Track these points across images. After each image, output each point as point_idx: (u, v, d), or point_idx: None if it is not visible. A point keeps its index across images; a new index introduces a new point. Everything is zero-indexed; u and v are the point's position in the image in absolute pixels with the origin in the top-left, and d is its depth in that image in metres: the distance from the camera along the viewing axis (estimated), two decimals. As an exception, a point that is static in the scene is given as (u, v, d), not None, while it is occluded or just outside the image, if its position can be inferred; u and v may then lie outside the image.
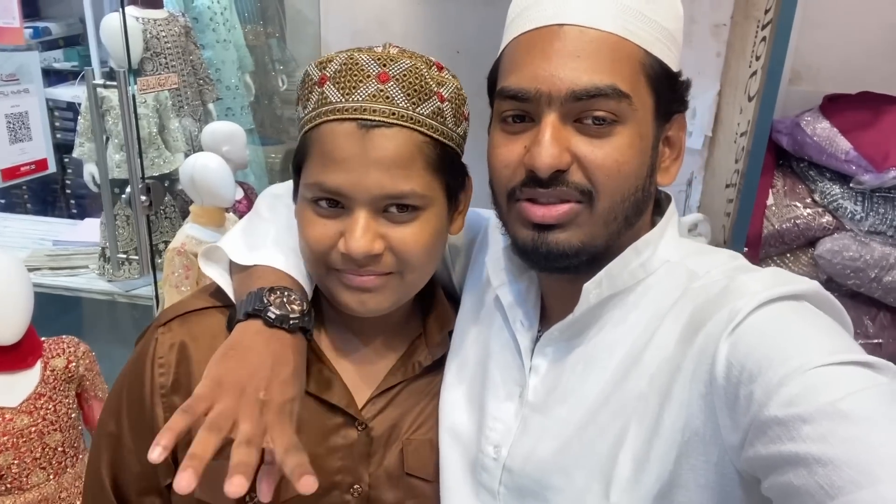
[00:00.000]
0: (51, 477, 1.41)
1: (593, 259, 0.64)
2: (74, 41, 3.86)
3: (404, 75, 0.66)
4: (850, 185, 1.76)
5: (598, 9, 0.60)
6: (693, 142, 2.40)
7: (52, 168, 1.78)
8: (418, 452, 0.75)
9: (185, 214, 2.41)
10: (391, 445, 0.74)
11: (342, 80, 0.65)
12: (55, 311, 2.51)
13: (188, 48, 2.75)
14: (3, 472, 1.35)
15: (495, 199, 0.68)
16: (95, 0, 3.22)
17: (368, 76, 0.65)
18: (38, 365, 1.42)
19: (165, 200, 2.50)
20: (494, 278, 0.74)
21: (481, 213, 0.84)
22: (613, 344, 0.64)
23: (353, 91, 0.65)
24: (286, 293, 0.68)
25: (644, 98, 0.62)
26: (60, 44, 3.81)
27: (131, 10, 2.52)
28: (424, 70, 0.68)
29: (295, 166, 0.71)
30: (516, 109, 0.63)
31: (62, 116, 3.75)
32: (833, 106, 1.91)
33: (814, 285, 0.58)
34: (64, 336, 1.50)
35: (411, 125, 0.66)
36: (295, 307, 0.67)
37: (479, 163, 0.71)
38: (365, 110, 0.64)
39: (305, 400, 0.68)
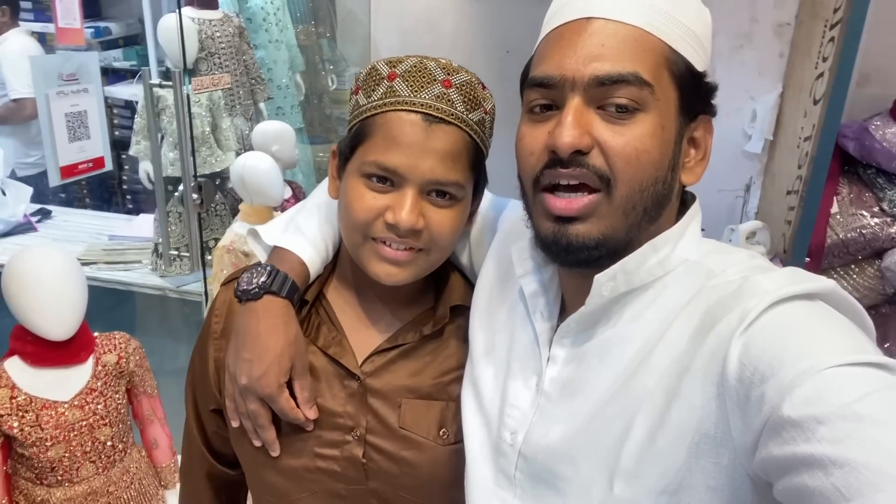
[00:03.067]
0: (100, 470, 1.43)
1: (613, 253, 0.65)
2: (133, 41, 3.97)
3: (463, 86, 0.78)
4: (923, 193, 1.67)
5: (625, 5, 0.63)
6: (752, 145, 2.31)
7: (108, 166, 1.82)
8: (414, 411, 0.83)
9: (234, 212, 2.45)
10: (388, 400, 0.83)
11: (412, 78, 0.77)
12: (109, 305, 2.58)
13: (241, 48, 2.79)
14: (54, 465, 1.37)
15: (523, 190, 0.71)
16: (154, 1, 3.30)
17: (435, 80, 0.77)
18: (90, 360, 1.44)
19: (216, 198, 2.54)
20: (519, 267, 0.77)
21: (512, 202, 0.89)
22: (628, 339, 0.65)
23: (421, 89, 0.76)
24: (254, 270, 0.82)
25: (667, 90, 0.63)
26: (120, 43, 3.93)
27: (187, 11, 2.57)
28: (477, 86, 0.80)
29: (349, 146, 0.80)
30: (542, 98, 0.66)
31: (120, 114, 3.86)
32: (905, 110, 1.81)
33: (830, 284, 0.57)
34: (115, 332, 1.53)
35: (464, 127, 0.77)
36: (256, 279, 0.80)
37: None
38: (430, 107, 0.75)
39: (318, 352, 0.83)
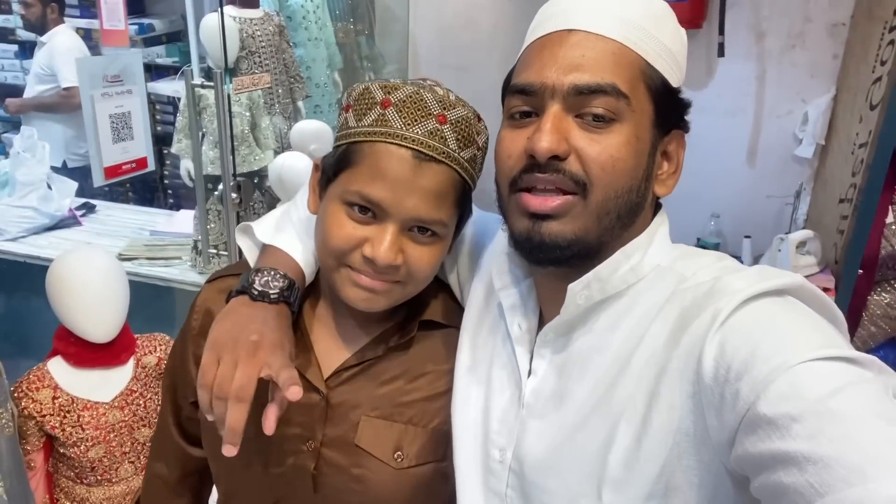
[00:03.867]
0: (138, 471, 1.45)
1: (585, 254, 0.66)
2: (176, 37, 4.03)
3: (458, 122, 0.75)
4: None
5: (605, 20, 0.65)
6: (803, 150, 2.24)
7: (151, 167, 1.84)
8: (374, 430, 0.82)
9: (272, 210, 2.46)
10: (348, 416, 0.82)
11: (406, 110, 0.74)
12: (149, 301, 2.61)
13: (281, 46, 2.79)
14: (94, 465, 1.40)
15: (499, 192, 0.72)
16: (197, -1, 3.34)
17: (430, 114, 0.74)
18: (131, 362, 1.46)
19: (254, 196, 2.55)
20: (497, 281, 0.78)
21: (493, 216, 0.88)
22: (606, 348, 0.67)
23: (415, 123, 0.74)
24: (272, 273, 0.79)
25: (643, 103, 0.65)
26: (163, 40, 3.98)
27: (229, 10, 2.59)
28: (472, 120, 0.77)
29: (333, 168, 0.78)
30: (523, 104, 0.67)
31: (163, 110, 3.93)
32: (970, 116, 1.71)
33: (798, 279, 0.58)
34: (156, 333, 1.54)
35: (455, 165, 0.75)
36: (276, 284, 0.78)
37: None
38: (422, 143, 0.73)
39: None
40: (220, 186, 2.36)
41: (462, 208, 0.80)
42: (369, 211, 0.74)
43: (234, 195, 2.14)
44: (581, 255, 0.66)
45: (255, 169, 2.62)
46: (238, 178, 2.17)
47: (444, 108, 0.75)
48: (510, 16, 3.37)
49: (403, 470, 0.82)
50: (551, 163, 0.64)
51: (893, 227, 1.79)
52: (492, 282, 0.80)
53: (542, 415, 0.70)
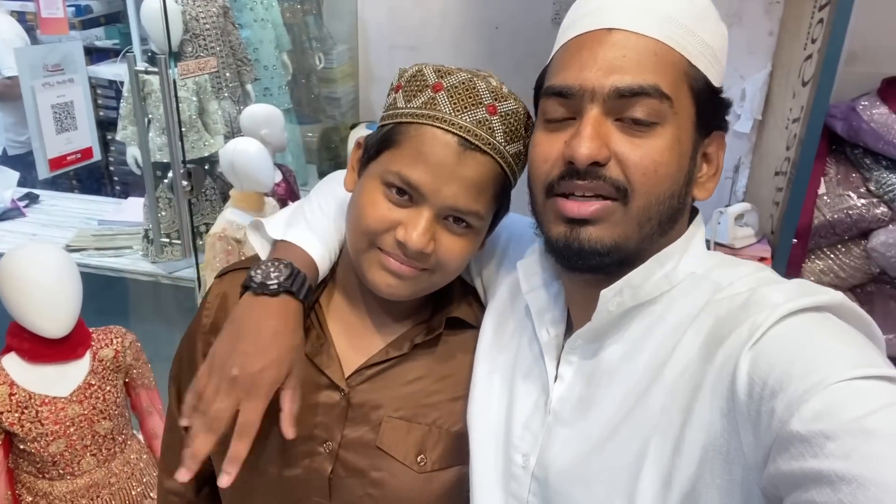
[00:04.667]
0: (101, 463, 1.45)
1: (623, 261, 0.64)
2: (115, 19, 3.90)
3: (508, 114, 0.74)
4: (909, 175, 1.69)
5: (646, 18, 0.63)
6: (741, 125, 2.32)
7: (97, 156, 1.81)
8: (395, 431, 0.79)
9: (224, 196, 2.44)
10: (370, 416, 0.79)
11: (457, 95, 0.72)
12: (101, 292, 2.57)
13: (227, 28, 2.74)
14: (56, 459, 1.40)
15: (532, 196, 0.70)
16: (135, -22, 3.23)
17: (481, 103, 0.72)
18: (88, 355, 1.45)
19: (206, 183, 2.52)
20: (525, 284, 0.75)
21: (517, 217, 0.87)
22: (636, 356, 0.65)
23: (465, 111, 0.72)
24: (275, 264, 0.76)
25: (685, 105, 0.63)
26: (101, 21, 3.85)
27: (170, -8, 2.52)
28: (523, 116, 0.75)
29: (376, 147, 0.76)
30: (561, 107, 0.65)
31: (104, 94, 3.80)
32: (892, 89, 1.82)
33: (838, 296, 0.56)
34: (112, 326, 1.53)
35: (499, 158, 0.73)
36: (276, 275, 0.75)
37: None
38: (469, 131, 0.71)
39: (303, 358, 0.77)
40: (170, 174, 2.33)
41: (500, 204, 0.77)
42: (406, 194, 0.72)
43: (184, 182, 2.11)
44: (619, 264, 0.64)
45: (205, 155, 2.58)
46: (188, 165, 2.14)
47: (496, 100, 0.73)
48: (458, -6, 3.36)
49: (426, 474, 0.79)
50: (591, 169, 0.62)
51: (825, 197, 1.89)
52: (518, 284, 0.78)
53: (568, 422, 0.68)
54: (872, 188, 1.81)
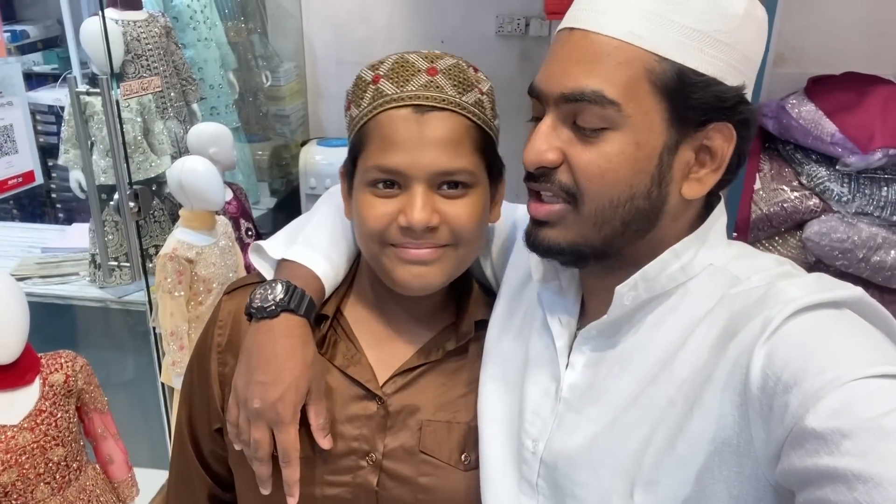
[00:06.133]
0: (55, 491, 1.41)
1: (597, 256, 0.65)
2: (53, 43, 3.81)
3: (450, 69, 0.74)
4: (837, 167, 1.78)
5: (607, 14, 0.60)
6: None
7: (39, 180, 1.77)
8: (436, 434, 0.79)
9: (174, 217, 2.40)
10: (408, 422, 0.79)
11: (395, 75, 0.74)
12: (48, 320, 2.50)
13: (169, 48, 2.72)
14: (8, 489, 1.35)
15: None
16: (73, 1, 3.18)
17: (419, 70, 0.74)
18: (37, 381, 1.41)
19: (153, 204, 2.48)
20: (536, 272, 0.75)
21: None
22: (648, 346, 0.65)
23: (407, 83, 0.73)
24: (271, 285, 0.76)
25: (645, 105, 0.60)
26: (39, 46, 3.76)
27: (110, 13, 2.49)
28: (465, 67, 0.76)
29: (350, 160, 0.78)
30: (538, 105, 0.66)
31: (44, 120, 3.71)
32: (818, 88, 1.91)
33: (857, 292, 0.56)
34: (61, 351, 1.49)
35: (459, 110, 0.73)
36: (271, 297, 0.75)
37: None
38: (419, 97, 0.72)
39: (334, 371, 0.79)
40: (116, 196, 2.29)
41: (487, 157, 0.77)
42: (393, 183, 0.73)
43: (131, 204, 2.08)
44: (593, 257, 0.65)
45: (152, 176, 2.54)
46: (135, 187, 2.11)
47: (432, 62, 0.74)
48: (404, 10, 3.40)
49: (472, 471, 0.78)
50: (542, 172, 0.63)
51: (761, 192, 1.97)
52: (527, 271, 0.78)
53: (577, 409, 0.68)
54: (804, 181, 1.89)
